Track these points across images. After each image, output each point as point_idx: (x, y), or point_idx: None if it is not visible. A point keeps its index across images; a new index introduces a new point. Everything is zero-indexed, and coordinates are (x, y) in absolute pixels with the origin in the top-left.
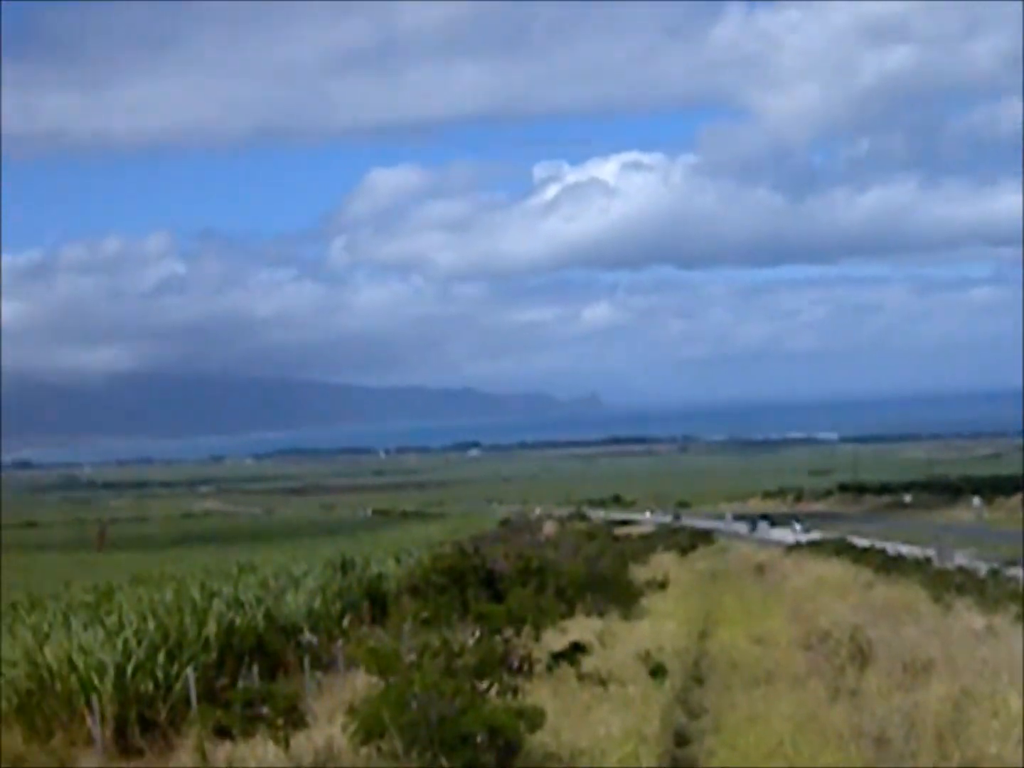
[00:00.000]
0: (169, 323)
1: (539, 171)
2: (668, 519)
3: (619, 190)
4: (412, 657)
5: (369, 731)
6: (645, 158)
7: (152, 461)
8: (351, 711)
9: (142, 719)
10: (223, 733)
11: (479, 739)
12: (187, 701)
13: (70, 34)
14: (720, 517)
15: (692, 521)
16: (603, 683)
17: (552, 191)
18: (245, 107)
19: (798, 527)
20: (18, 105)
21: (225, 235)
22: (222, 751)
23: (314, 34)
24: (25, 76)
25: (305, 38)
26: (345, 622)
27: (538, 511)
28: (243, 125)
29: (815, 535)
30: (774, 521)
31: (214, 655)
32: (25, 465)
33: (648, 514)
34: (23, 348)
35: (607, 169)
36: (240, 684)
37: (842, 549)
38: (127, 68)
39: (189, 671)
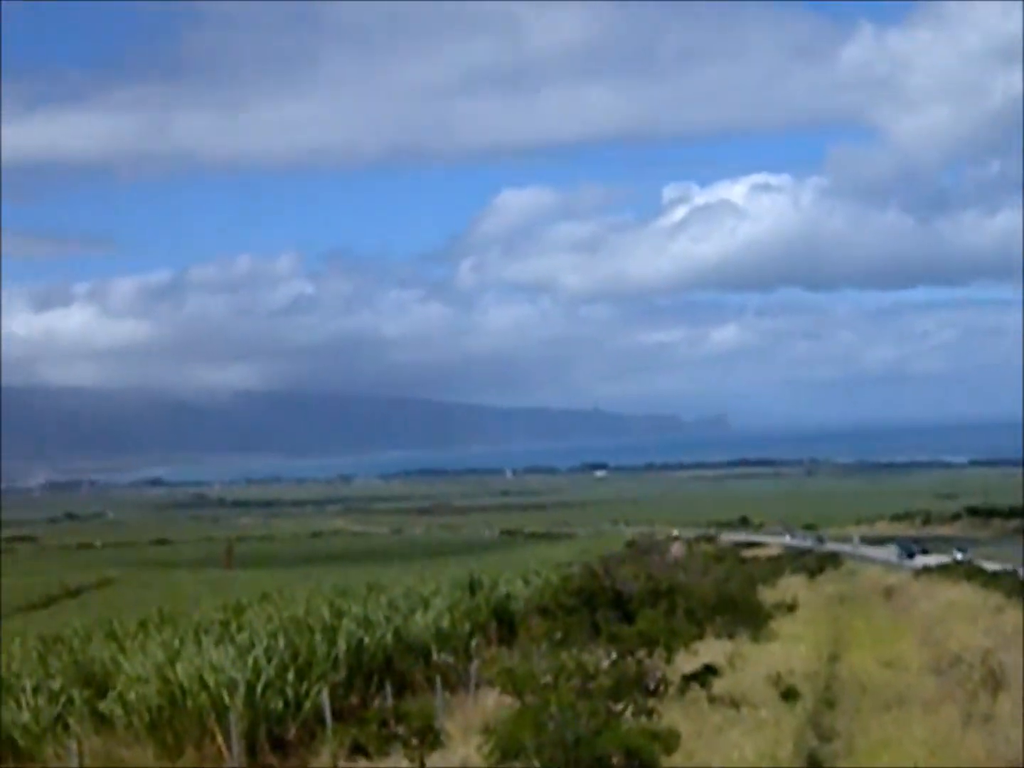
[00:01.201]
0: (298, 342)
1: (668, 192)
2: (809, 543)
3: (747, 212)
4: (547, 678)
5: (505, 751)
6: (773, 179)
7: (281, 480)
8: (487, 731)
9: (271, 737)
10: (357, 751)
11: (615, 760)
12: (317, 719)
13: (205, 56)
14: (847, 540)
15: (827, 545)
16: (735, 705)
17: (681, 212)
18: (377, 128)
19: (959, 555)
20: (153, 125)
21: (354, 255)
22: None
23: (446, 55)
24: (160, 97)
25: (437, 59)
26: (473, 642)
27: (666, 532)
28: (374, 146)
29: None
30: (926, 548)
31: (343, 674)
32: (156, 483)
33: (788, 537)
34: (154, 366)
35: (736, 191)
36: (373, 703)
37: (972, 573)
38: (260, 89)
39: (324, 690)
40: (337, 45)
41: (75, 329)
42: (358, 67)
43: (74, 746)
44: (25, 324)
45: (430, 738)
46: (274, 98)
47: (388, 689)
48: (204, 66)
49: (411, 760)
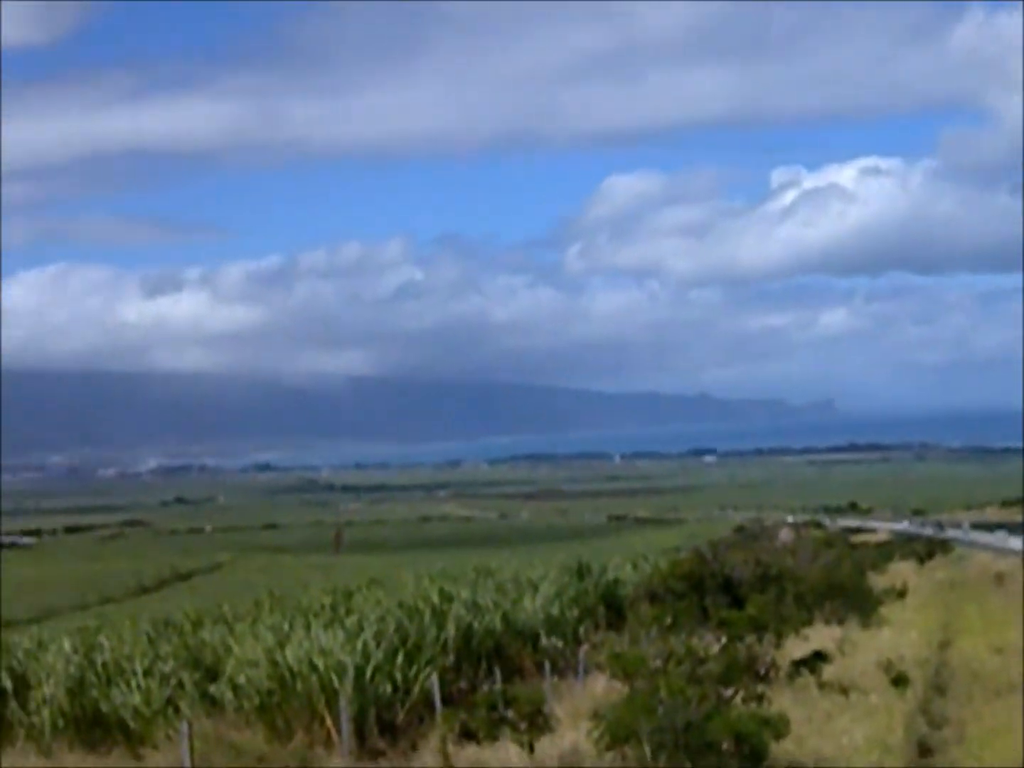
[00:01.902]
0: (407, 328)
1: (777, 176)
2: (929, 530)
3: (857, 195)
4: (657, 663)
5: (615, 736)
6: (883, 163)
7: (389, 465)
8: (596, 716)
9: (380, 720)
10: (467, 736)
11: (725, 746)
12: (425, 703)
13: (314, 43)
14: (957, 525)
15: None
16: (844, 692)
17: (790, 196)
18: (486, 114)
19: None
20: (265, 113)
21: (462, 241)
22: (465, 753)
23: (555, 40)
24: (272, 85)
25: (546, 44)
26: (581, 628)
27: (774, 517)
28: (484, 132)
29: None
30: None
31: (452, 658)
32: (266, 468)
33: (906, 523)
34: (264, 352)
35: (845, 174)
36: (482, 688)
37: None
38: (369, 76)
39: (433, 674)
40: (447, 32)
41: (186, 315)
42: (468, 54)
43: (185, 728)
44: (137, 310)
45: (539, 723)
46: (385, 85)
47: (497, 674)
48: (315, 54)
49: (520, 745)
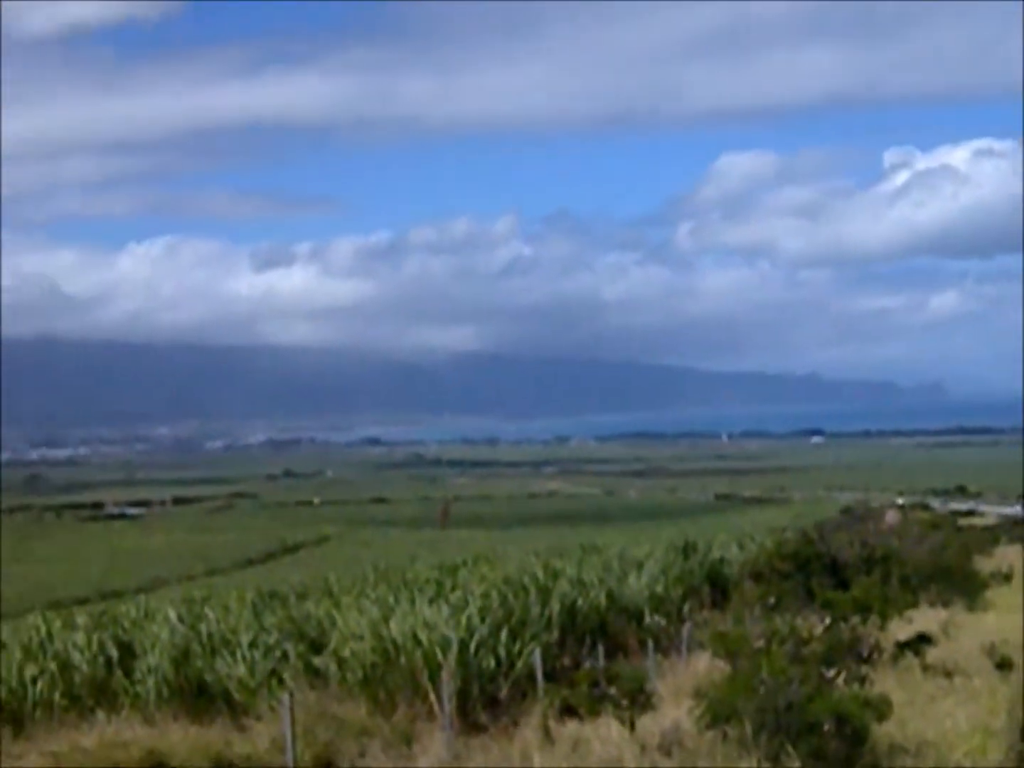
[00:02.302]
0: (516, 304)
1: (889, 157)
2: None
3: (970, 177)
4: (760, 643)
5: (716, 715)
6: (997, 145)
7: (497, 441)
8: (698, 694)
9: (483, 695)
10: (568, 712)
11: (826, 727)
12: (529, 679)
13: (428, 19)
14: None
15: None
16: (948, 675)
17: (902, 177)
18: (598, 92)
19: None
20: (376, 91)
21: (572, 218)
22: (567, 730)
23: (669, 19)
24: (383, 62)
25: (660, 24)
26: (686, 606)
27: (881, 499)
28: (595, 109)
29: None
30: None
31: (556, 634)
32: (374, 442)
33: (1017, 507)
34: (373, 327)
35: (958, 156)
36: (585, 664)
37: None
38: (483, 53)
39: (536, 649)
40: (560, 9)
41: (296, 288)
42: (580, 31)
43: (287, 700)
44: (247, 283)
45: (641, 700)
46: (496, 62)
47: (600, 651)
48: (429, 30)
49: (621, 722)
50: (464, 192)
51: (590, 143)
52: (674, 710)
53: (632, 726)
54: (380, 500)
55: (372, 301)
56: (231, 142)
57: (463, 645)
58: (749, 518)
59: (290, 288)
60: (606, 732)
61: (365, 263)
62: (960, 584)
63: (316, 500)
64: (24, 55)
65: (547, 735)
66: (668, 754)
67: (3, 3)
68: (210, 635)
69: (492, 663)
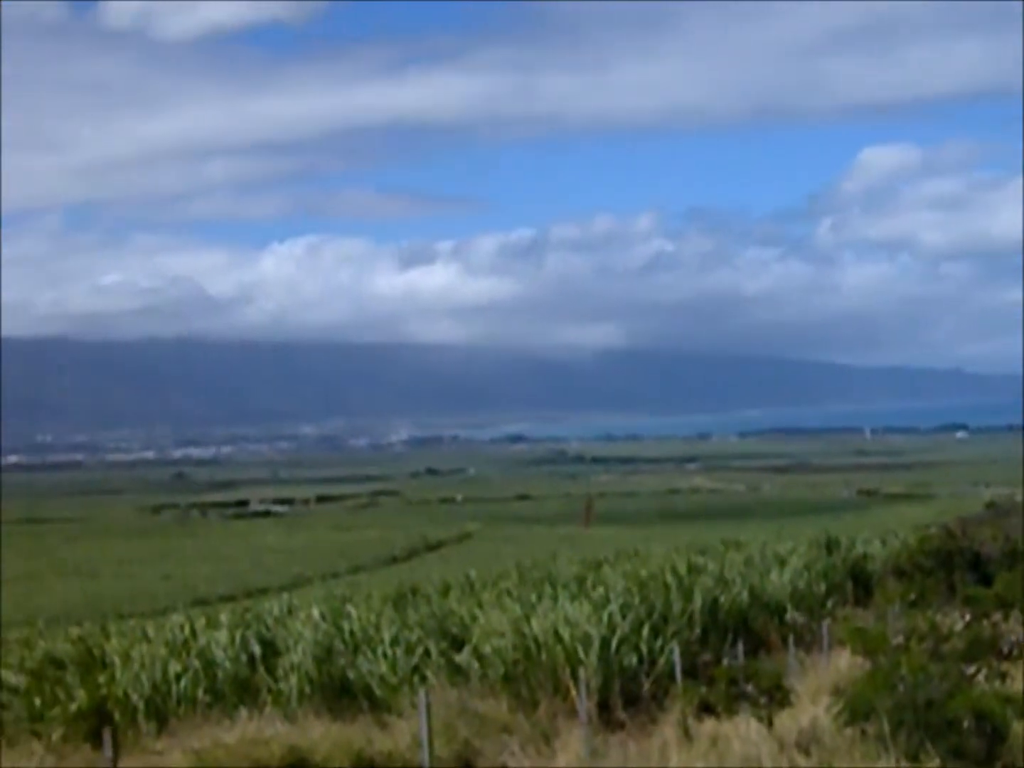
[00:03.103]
0: (657, 301)
1: None
2: None
3: None
4: (899, 639)
5: (854, 712)
6: None
7: (640, 437)
8: (836, 692)
9: (624, 693)
10: (707, 709)
11: (965, 724)
12: (670, 676)
13: (569, 16)
14: None
15: None
16: None
17: None
18: (739, 87)
19: None
20: (517, 88)
21: (713, 214)
22: (705, 727)
23: (811, 13)
24: (524, 60)
25: (802, 17)
26: (829, 602)
27: None
28: (737, 105)
29: None
30: None
31: (697, 631)
32: (517, 439)
33: None
34: (515, 324)
35: None
36: (724, 661)
37: None
38: (624, 49)
39: (675, 646)
40: (699, 5)
41: (439, 286)
42: (721, 26)
43: (423, 697)
44: (390, 282)
45: (779, 697)
46: (638, 58)
47: (740, 647)
48: (570, 27)
49: (759, 719)
50: (605, 189)
51: (731, 138)
52: (812, 707)
53: (770, 723)
54: (522, 497)
55: (514, 298)
56: (374, 141)
57: (604, 642)
58: (892, 514)
59: (432, 286)
60: (744, 729)
61: (507, 261)
62: None
63: (459, 497)
64: (169, 57)
65: (685, 732)
66: (806, 752)
67: (149, 6)
68: (352, 633)
69: (633, 660)
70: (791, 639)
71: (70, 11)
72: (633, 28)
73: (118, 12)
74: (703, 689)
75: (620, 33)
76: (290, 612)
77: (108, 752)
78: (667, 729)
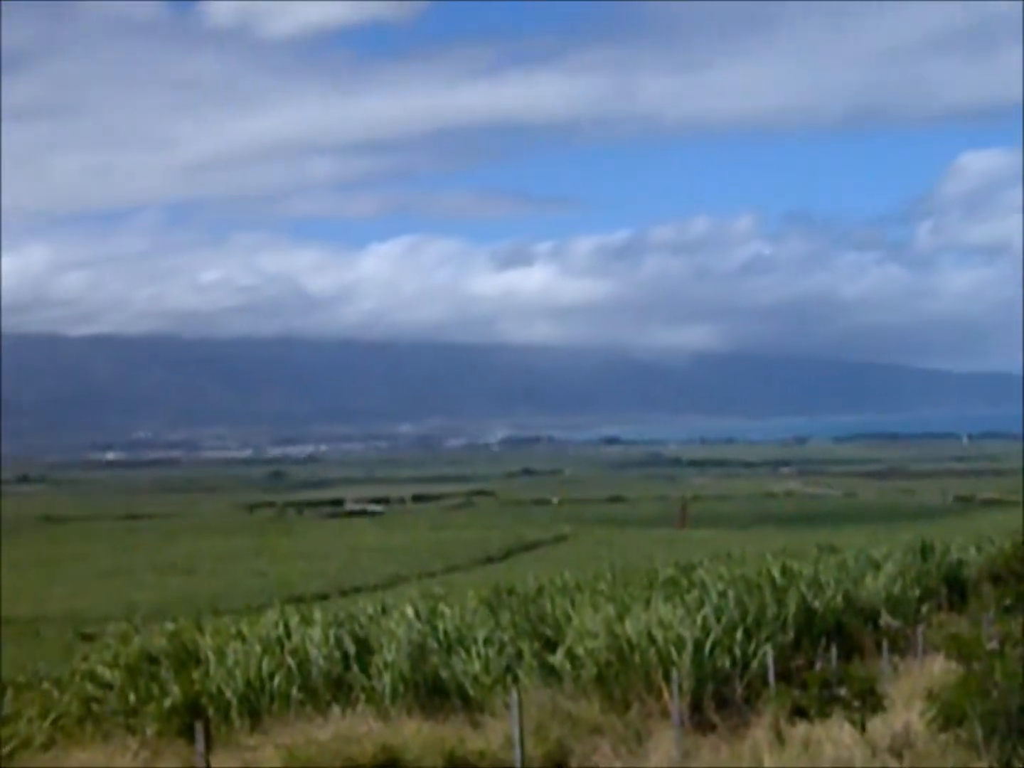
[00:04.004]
0: (754, 304)
1: None
2: None
3: None
4: (994, 644)
5: (947, 717)
6: None
7: (735, 441)
8: (930, 697)
9: (716, 695)
10: (799, 713)
11: None
12: (763, 679)
13: (668, 18)
14: None
15: None
16: None
17: None
18: (839, 89)
19: None
20: (616, 90)
21: (811, 217)
22: (797, 731)
23: (911, 16)
24: (623, 61)
25: (902, 20)
26: (923, 608)
27: None
28: (836, 108)
29: None
30: None
31: (791, 635)
32: (612, 441)
33: None
34: (612, 326)
35: None
36: (817, 665)
37: None
38: (722, 51)
39: (768, 650)
40: (799, 6)
41: (536, 287)
42: (820, 28)
43: (515, 697)
44: (488, 283)
45: (872, 702)
46: (737, 60)
47: (834, 652)
48: (669, 29)
49: (852, 723)
50: (703, 190)
51: (829, 141)
52: (905, 712)
53: (863, 728)
54: (618, 499)
55: (611, 300)
56: (473, 142)
57: (698, 645)
58: (989, 520)
59: (530, 287)
60: (836, 733)
61: (604, 262)
62: None
63: (554, 499)
64: (271, 56)
65: (778, 736)
66: (898, 756)
67: (251, 5)
68: (446, 632)
69: (726, 663)
70: (885, 644)
71: (170, 10)
72: (733, 29)
73: (219, 11)
74: (796, 692)
75: (720, 34)
76: (384, 611)
77: (200, 747)
78: (759, 732)
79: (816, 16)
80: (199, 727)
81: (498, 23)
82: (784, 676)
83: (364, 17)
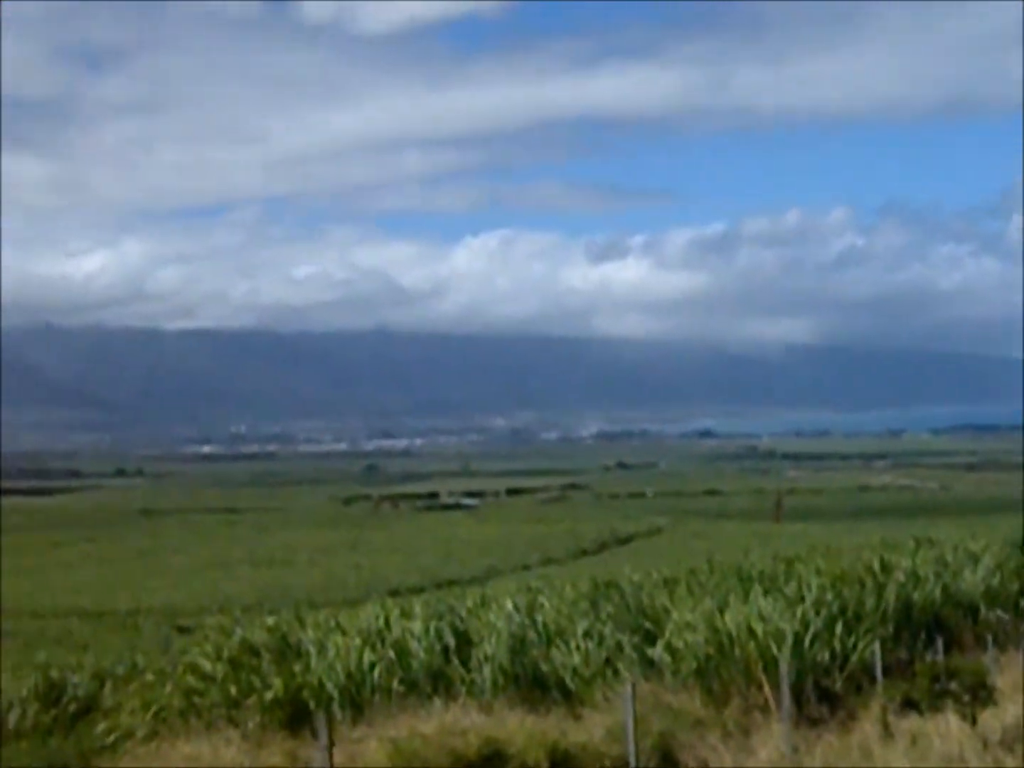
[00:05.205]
0: (849, 296)
1: None
2: None
3: None
4: None
5: None
6: None
7: (830, 433)
8: None
9: (816, 688)
10: (907, 706)
11: None
12: (863, 672)
13: (761, 10)
14: None
15: None
16: None
17: None
18: (933, 80)
19: None
20: (710, 82)
21: (906, 208)
22: (905, 724)
23: (1006, 4)
24: (717, 54)
25: (996, 8)
26: (1022, 602)
27: None
28: (930, 98)
29: None
30: None
31: (890, 628)
32: (706, 434)
33: None
34: (705, 319)
35: None
36: (920, 658)
37: None
38: (816, 43)
39: (876, 644)
40: None
41: (629, 280)
42: (912, 19)
43: (629, 690)
44: (582, 276)
45: (982, 695)
46: (831, 51)
47: (940, 644)
48: (763, 21)
49: (962, 717)
50: (797, 183)
51: (923, 132)
52: (1014, 706)
53: (973, 721)
54: (712, 492)
55: (705, 293)
56: (567, 134)
57: (797, 638)
58: None
59: (624, 280)
60: (945, 727)
61: (698, 255)
62: None
63: (649, 492)
64: (364, 51)
65: (886, 729)
66: (1010, 750)
67: (344, 2)
68: (545, 625)
69: (827, 656)
70: (988, 637)
71: (265, 6)
72: (826, 21)
73: (314, 6)
74: (904, 686)
75: (813, 26)
76: (483, 603)
77: (323, 740)
78: (866, 726)
79: (910, 6)
80: (321, 721)
81: (592, 16)
82: (885, 670)
83: (459, 11)
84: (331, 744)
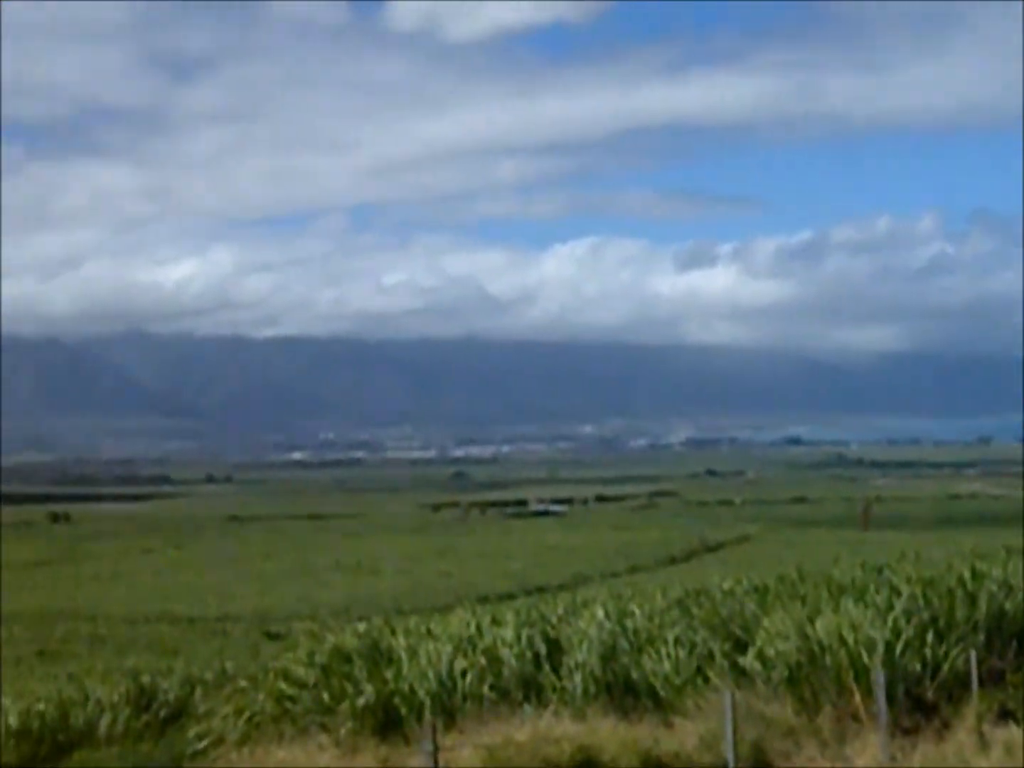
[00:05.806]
0: (938, 303)
1: None
2: None
3: None
4: None
5: None
6: None
7: (920, 441)
8: None
9: (908, 698)
10: (1003, 716)
11: None
12: (955, 681)
13: (851, 16)
14: None
15: None
16: None
17: None
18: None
19: None
20: (799, 89)
21: (996, 215)
22: (1000, 734)
23: None
24: (806, 60)
25: None
26: None
27: None
28: (1019, 105)
29: None
30: None
31: (982, 638)
32: (795, 442)
33: None
34: (794, 326)
35: None
36: (1013, 668)
37: None
38: (906, 49)
39: (972, 653)
40: (983, 4)
41: (718, 288)
42: (1007, 24)
43: (728, 699)
44: (669, 283)
45: None
46: (921, 58)
47: None
48: (853, 27)
49: None
50: (885, 189)
51: (1013, 139)
52: None
53: None
54: (800, 500)
55: (793, 301)
56: (654, 142)
57: (889, 647)
58: None
59: (712, 288)
60: None
61: (786, 263)
62: None
63: (737, 499)
64: (453, 58)
65: (981, 738)
66: None
67: (433, 8)
68: (636, 632)
69: (918, 665)
70: None
71: (354, 13)
72: (917, 27)
73: (402, 14)
74: (1001, 695)
75: (904, 32)
76: (574, 610)
77: (428, 747)
78: (961, 735)
79: (1003, 11)
80: (427, 727)
81: (680, 23)
82: (979, 679)
83: (547, 18)
84: (436, 750)
